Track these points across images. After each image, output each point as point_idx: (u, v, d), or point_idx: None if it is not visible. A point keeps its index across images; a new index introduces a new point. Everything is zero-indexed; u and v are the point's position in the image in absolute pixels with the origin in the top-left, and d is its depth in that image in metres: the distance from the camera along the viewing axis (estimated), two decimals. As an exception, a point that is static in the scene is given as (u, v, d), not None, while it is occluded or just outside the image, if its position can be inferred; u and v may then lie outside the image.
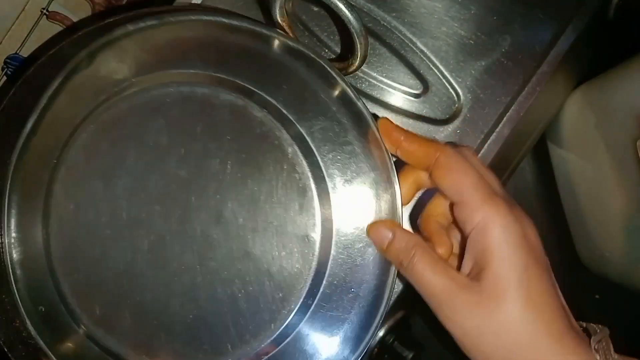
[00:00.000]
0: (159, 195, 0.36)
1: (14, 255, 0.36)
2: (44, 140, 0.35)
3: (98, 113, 0.36)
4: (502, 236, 0.30)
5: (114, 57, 0.36)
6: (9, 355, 0.35)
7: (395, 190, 0.35)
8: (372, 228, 0.35)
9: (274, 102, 0.35)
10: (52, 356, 0.35)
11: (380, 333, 0.44)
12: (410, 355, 0.45)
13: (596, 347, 0.31)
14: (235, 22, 0.35)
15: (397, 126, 0.34)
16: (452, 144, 0.34)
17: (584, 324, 0.33)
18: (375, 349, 0.44)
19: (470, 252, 0.32)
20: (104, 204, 0.36)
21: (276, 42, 0.35)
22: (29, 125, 0.35)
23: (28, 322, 0.35)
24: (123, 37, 0.35)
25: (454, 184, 0.32)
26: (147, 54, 0.36)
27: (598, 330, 0.32)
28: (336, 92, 0.35)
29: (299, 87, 0.35)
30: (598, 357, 0.30)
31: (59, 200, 0.36)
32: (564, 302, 0.32)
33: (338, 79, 0.35)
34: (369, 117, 0.35)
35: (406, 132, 0.34)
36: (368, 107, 0.42)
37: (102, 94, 0.36)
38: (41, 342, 0.35)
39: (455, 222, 0.34)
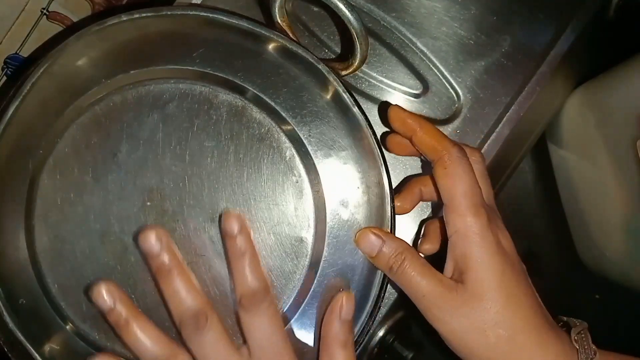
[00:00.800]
0: (151, 191, 0.35)
1: None
2: (27, 127, 0.35)
3: (90, 105, 0.36)
4: (479, 243, 0.33)
5: (107, 47, 0.35)
6: (9, 355, 0.35)
7: (386, 195, 0.35)
8: (361, 236, 0.35)
9: (273, 104, 0.35)
10: (32, 349, 0.35)
11: (380, 333, 0.44)
12: (410, 355, 0.45)
13: (576, 338, 0.34)
14: (234, 21, 0.35)
15: (410, 114, 0.36)
16: (460, 147, 0.35)
17: (565, 318, 0.36)
18: (375, 349, 0.44)
19: (451, 254, 0.34)
20: (94, 198, 0.35)
21: (277, 45, 0.35)
22: (11, 110, 0.34)
23: (5, 314, 0.35)
24: (116, 28, 0.35)
25: (448, 187, 0.34)
26: (144, 48, 0.36)
27: (577, 323, 0.35)
28: (334, 97, 0.35)
29: (298, 90, 0.35)
30: (577, 347, 0.33)
31: (45, 192, 0.35)
32: (541, 302, 0.35)
33: (336, 84, 0.35)
34: (364, 124, 0.35)
35: (420, 120, 0.36)
36: (368, 106, 0.42)
37: (94, 86, 0.35)
38: (19, 334, 0.35)
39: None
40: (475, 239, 0.33)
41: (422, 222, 0.42)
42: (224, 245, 0.34)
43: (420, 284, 0.33)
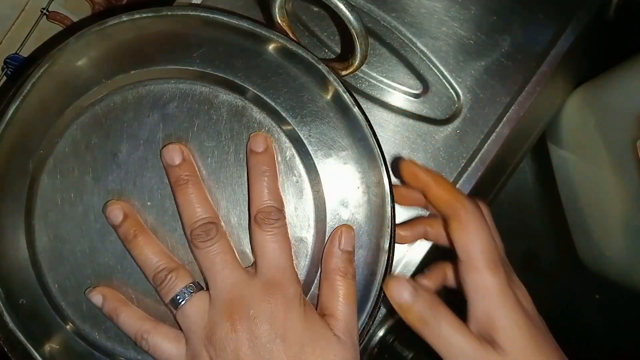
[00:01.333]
0: (151, 191, 0.36)
1: None
2: (27, 127, 0.35)
3: (90, 105, 0.36)
4: (503, 302, 0.33)
5: (107, 47, 0.35)
6: (9, 355, 0.35)
7: (386, 195, 0.35)
8: (392, 285, 0.34)
9: (273, 104, 0.35)
10: (32, 349, 0.35)
11: (380, 333, 0.44)
12: (410, 355, 0.45)
13: None
14: (234, 22, 0.35)
15: (424, 168, 0.36)
16: (476, 202, 0.35)
17: None
18: (375, 349, 0.44)
19: (472, 314, 0.33)
20: (94, 198, 0.35)
21: (277, 45, 0.35)
22: (11, 110, 0.34)
23: (5, 314, 0.35)
24: (116, 28, 0.35)
25: (466, 243, 0.34)
26: (144, 48, 0.36)
27: None
28: (334, 97, 0.35)
29: (298, 90, 0.35)
30: None
31: (45, 192, 0.35)
32: (563, 354, 0.34)
33: (336, 84, 0.35)
34: (364, 124, 0.35)
35: (434, 175, 0.36)
36: (368, 106, 0.42)
37: (94, 86, 0.35)
38: (19, 334, 0.35)
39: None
40: (498, 298, 0.33)
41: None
42: (247, 163, 0.35)
43: (460, 342, 0.32)
